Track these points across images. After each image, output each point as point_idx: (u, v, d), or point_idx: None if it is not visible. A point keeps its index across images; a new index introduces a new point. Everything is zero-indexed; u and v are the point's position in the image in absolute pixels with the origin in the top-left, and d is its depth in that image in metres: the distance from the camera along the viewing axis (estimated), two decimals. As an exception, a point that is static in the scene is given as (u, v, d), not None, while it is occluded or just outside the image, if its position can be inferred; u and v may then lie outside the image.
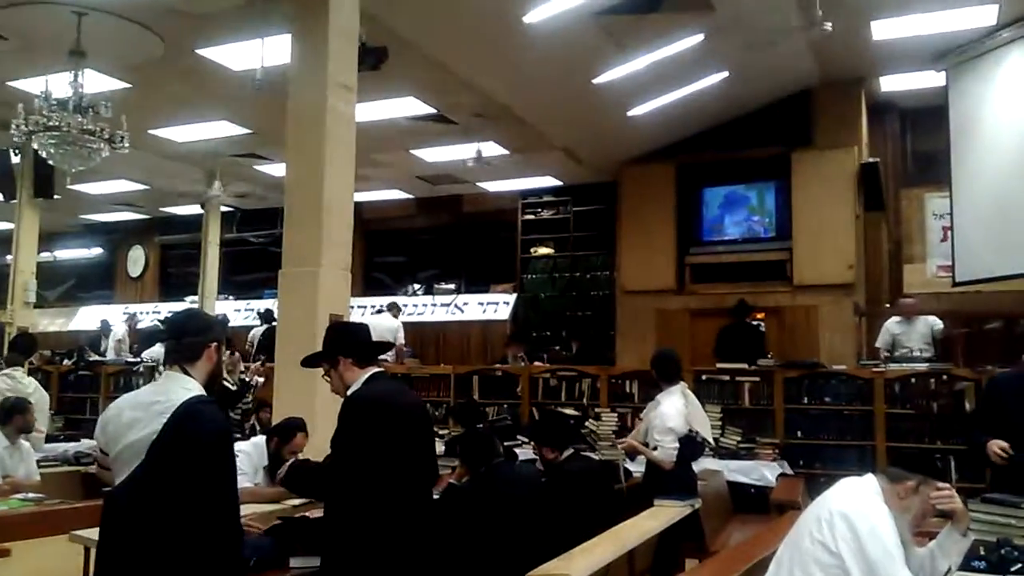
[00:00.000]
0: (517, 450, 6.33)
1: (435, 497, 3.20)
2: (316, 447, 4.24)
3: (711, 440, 5.04)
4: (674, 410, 4.69)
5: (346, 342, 2.89)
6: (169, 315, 2.65)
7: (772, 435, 6.89)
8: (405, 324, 10.23)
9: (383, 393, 2.83)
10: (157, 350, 9.09)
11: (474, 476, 3.89)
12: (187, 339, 2.46)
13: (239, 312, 12.53)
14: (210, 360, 2.48)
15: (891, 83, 9.32)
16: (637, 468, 5.41)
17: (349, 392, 2.81)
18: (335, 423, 2.70)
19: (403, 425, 2.78)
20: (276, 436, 4.46)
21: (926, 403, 6.48)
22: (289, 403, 4.78)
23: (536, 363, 8.70)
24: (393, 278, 13.21)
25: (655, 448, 4.69)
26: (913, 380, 6.60)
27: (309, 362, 3.01)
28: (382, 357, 4.29)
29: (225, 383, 5.50)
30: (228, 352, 5.67)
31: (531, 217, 11.77)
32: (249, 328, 10.89)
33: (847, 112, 9.26)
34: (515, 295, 11.52)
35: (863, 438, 6.67)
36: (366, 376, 2.84)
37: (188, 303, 11.89)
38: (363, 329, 2.99)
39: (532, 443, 5.54)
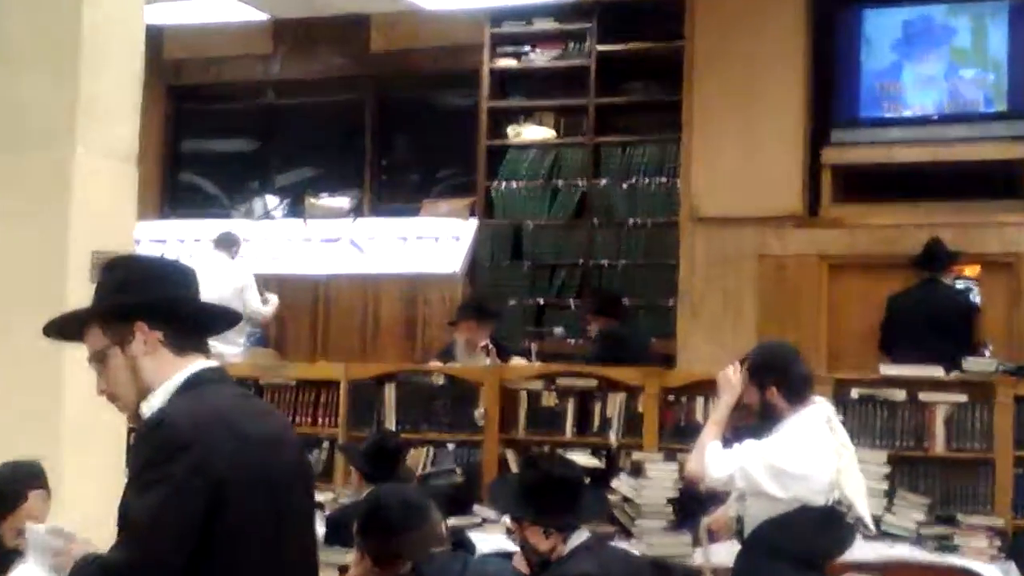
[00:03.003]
0: (475, 534, 6.65)
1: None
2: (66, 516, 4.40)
3: (868, 519, 5.24)
4: (813, 446, 4.95)
5: (153, 294, 3.02)
6: None
7: (990, 509, 7.20)
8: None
9: (221, 413, 2.92)
10: None
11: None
12: None
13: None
14: None
15: None
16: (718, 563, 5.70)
17: (148, 406, 2.93)
18: (111, 468, 2.78)
19: (261, 481, 2.90)
20: None
21: None
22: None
23: (516, 359, 8.89)
24: (225, 184, 13.37)
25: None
26: None
27: (64, 327, 3.13)
28: (224, 351, 4.38)
29: None
30: None
31: (510, 64, 11.91)
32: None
33: None
34: (474, 222, 11.69)
35: None
36: (185, 375, 2.97)
37: None
38: (184, 274, 3.16)
39: (508, 519, 5.77)
